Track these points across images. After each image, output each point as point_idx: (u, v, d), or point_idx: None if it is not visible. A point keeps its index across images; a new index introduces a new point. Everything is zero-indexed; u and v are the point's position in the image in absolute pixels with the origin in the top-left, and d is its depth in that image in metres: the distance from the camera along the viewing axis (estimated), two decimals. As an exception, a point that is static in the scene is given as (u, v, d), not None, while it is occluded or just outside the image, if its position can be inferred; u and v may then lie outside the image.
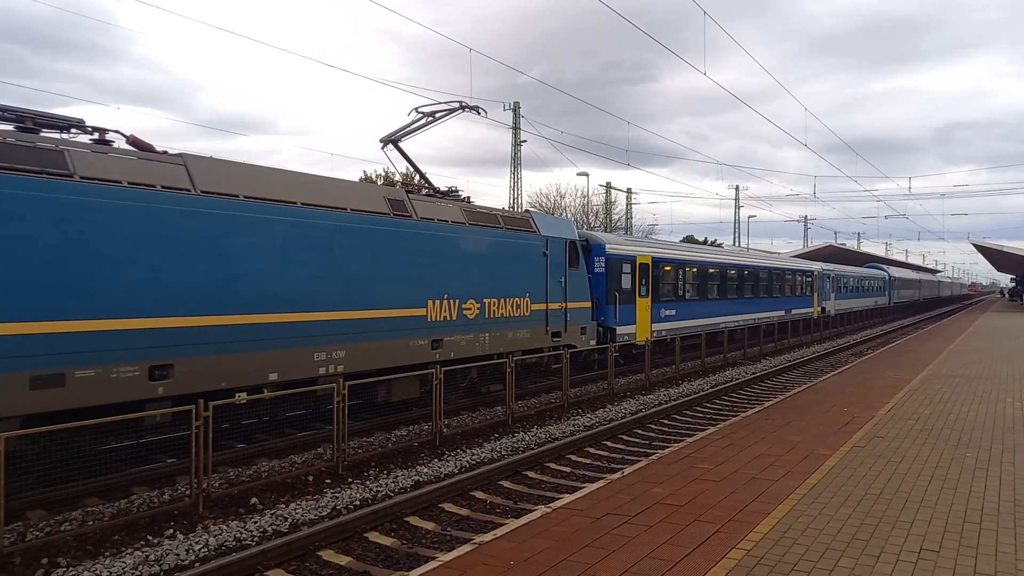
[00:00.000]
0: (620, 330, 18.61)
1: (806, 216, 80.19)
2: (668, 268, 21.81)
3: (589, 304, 17.15)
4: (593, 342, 17.38)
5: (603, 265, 18.55)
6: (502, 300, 14.13)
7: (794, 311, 32.28)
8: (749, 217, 72.36)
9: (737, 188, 69.51)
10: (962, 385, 14.86)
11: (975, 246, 71.52)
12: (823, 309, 36.52)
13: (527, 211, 16.09)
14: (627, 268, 19.28)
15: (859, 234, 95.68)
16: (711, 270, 24.86)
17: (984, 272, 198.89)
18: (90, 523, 7.49)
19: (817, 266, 37.33)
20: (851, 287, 44.13)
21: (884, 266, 60.00)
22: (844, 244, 78.34)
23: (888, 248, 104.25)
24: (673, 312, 21.58)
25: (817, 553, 5.53)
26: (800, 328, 31.87)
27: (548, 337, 15.56)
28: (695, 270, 23.52)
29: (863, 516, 6.44)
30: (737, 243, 66.67)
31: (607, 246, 18.87)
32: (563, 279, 16.01)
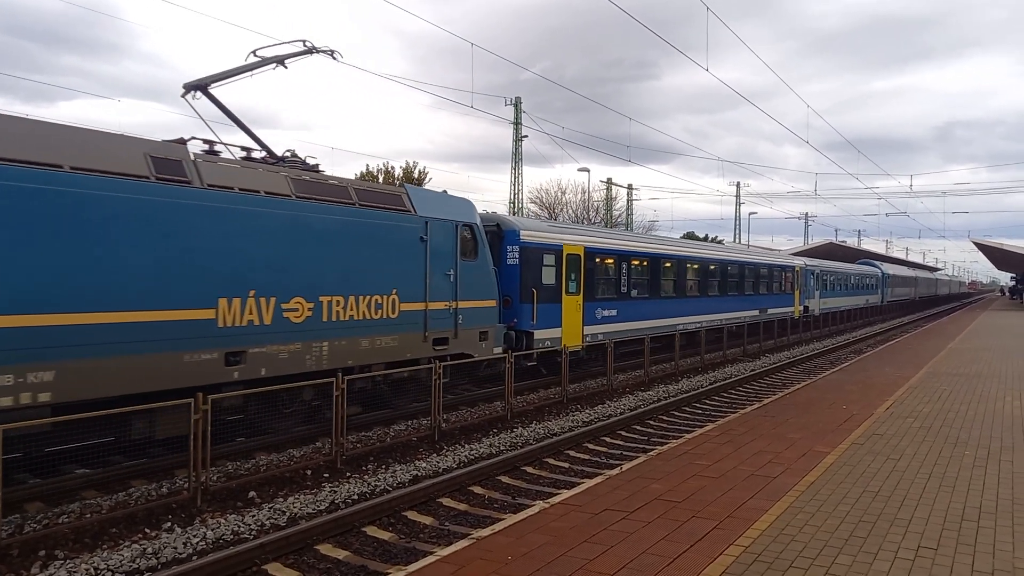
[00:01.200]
0: (539, 334, 15.71)
1: (807, 213, 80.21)
2: (608, 261, 18.78)
3: (494, 303, 14.06)
4: (499, 349, 14.28)
5: (517, 256, 15.50)
6: (352, 298, 10.96)
7: (771, 310, 29.06)
8: (750, 214, 72.43)
9: (738, 185, 69.48)
10: (962, 383, 14.85)
11: (976, 244, 71.51)
12: (806, 308, 33.88)
13: (402, 185, 12.75)
14: (550, 260, 16.25)
15: (860, 231, 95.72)
16: (666, 264, 21.74)
17: (984, 270, 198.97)
18: (88, 516, 7.49)
19: (799, 261, 34.77)
20: (839, 284, 41.31)
21: (877, 263, 56.86)
22: (844, 241, 78.37)
23: (889, 246, 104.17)
24: (614, 312, 18.49)
25: (815, 550, 5.53)
26: (776, 330, 28.30)
27: (428, 345, 12.39)
28: (644, 263, 20.45)
29: (861, 513, 6.44)
30: (738, 239, 66.63)
31: (522, 233, 15.80)
32: (453, 272, 12.92)
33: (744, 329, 25.30)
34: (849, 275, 44.43)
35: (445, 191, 14.20)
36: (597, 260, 18.12)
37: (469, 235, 13.51)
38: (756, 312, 27.60)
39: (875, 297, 50.53)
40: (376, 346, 11.39)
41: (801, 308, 33.22)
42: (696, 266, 23.50)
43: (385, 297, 11.56)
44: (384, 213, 11.65)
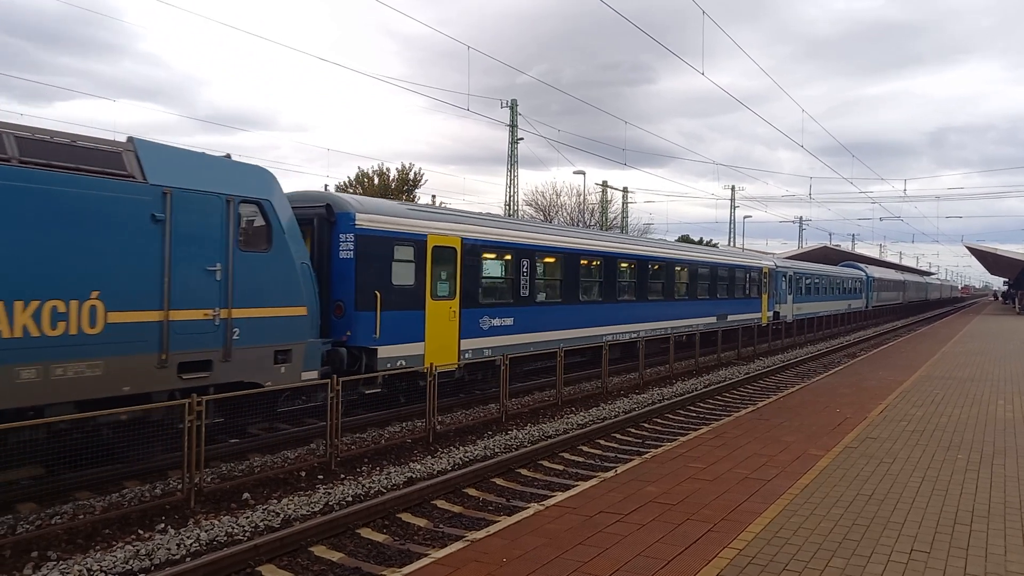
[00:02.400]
0: (386, 352, 11.93)
1: (801, 217, 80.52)
2: (502, 257, 15.16)
3: (302, 311, 10.26)
4: (315, 374, 10.52)
5: (352, 248, 11.64)
6: None
7: (732, 317, 25.62)
8: (745, 218, 72.54)
9: (733, 188, 69.76)
10: (954, 387, 14.92)
11: (969, 249, 71.81)
12: (776, 315, 30.46)
13: (130, 140, 8.75)
14: (405, 254, 12.44)
15: (854, 235, 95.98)
16: (589, 262, 17.84)
17: (977, 275, 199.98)
18: (81, 516, 7.47)
19: (767, 262, 30.94)
20: (817, 288, 37.72)
21: (862, 265, 53.61)
22: (839, 245, 78.58)
23: (882, 250, 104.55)
24: (509, 321, 14.72)
25: (809, 553, 5.55)
26: (739, 338, 25.00)
27: (171, 373, 8.68)
28: (556, 261, 16.65)
29: (855, 516, 6.46)
30: (732, 243, 66.78)
31: (359, 217, 11.73)
32: (221, 266, 9.24)
33: (696, 339, 21.48)
34: (829, 278, 40.96)
35: (204, 153, 9.91)
36: (483, 256, 14.23)
37: (256, 215, 9.87)
38: (713, 319, 24.20)
39: (859, 302, 47.50)
40: (56, 378, 7.57)
41: (771, 314, 29.77)
42: (631, 265, 19.76)
43: (75, 303, 7.76)
44: (76, 178, 7.86)
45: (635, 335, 19.35)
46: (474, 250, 13.94)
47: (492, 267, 15.19)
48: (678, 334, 21.15)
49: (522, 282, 15.26)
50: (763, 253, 48.32)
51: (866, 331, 42.00)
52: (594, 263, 18.19)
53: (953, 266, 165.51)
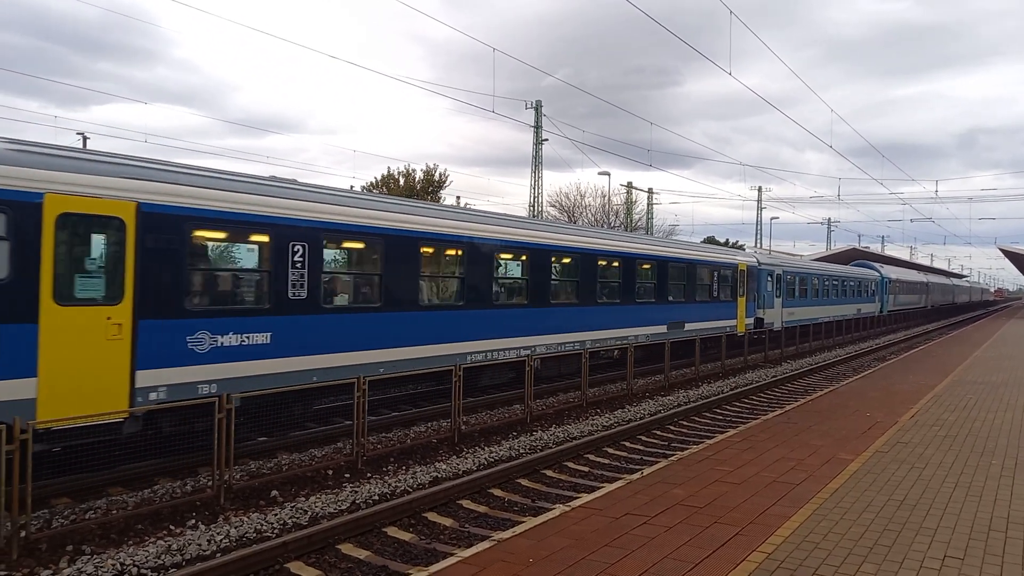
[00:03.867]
0: None
1: (829, 219, 79.46)
2: (245, 238, 10.04)
3: None
4: None
5: None
6: None
7: (693, 325, 20.39)
8: (772, 219, 71.77)
9: (760, 189, 69.12)
10: (987, 392, 14.63)
11: (1002, 251, 70.46)
12: (759, 321, 25.42)
13: None
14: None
15: (883, 237, 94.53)
16: (439, 250, 12.83)
17: (1011, 278, 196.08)
18: (114, 512, 7.61)
19: (744, 257, 25.52)
20: (815, 290, 32.16)
21: (876, 265, 47.94)
22: (868, 247, 77.50)
23: (913, 252, 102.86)
24: (261, 339, 9.70)
25: (839, 558, 5.48)
26: (698, 352, 19.24)
27: None
28: (355, 247, 11.70)
29: (886, 522, 6.37)
30: (759, 244, 66.12)
31: None
32: None
33: (629, 355, 16.16)
34: (831, 278, 35.07)
35: None
36: (198, 235, 9.26)
37: None
38: (661, 328, 18.96)
39: (871, 306, 41.64)
40: None
41: (750, 321, 24.65)
42: (522, 258, 14.69)
43: None
44: None
45: (523, 351, 13.95)
46: (172, 224, 8.77)
47: (226, 254, 10.61)
48: (602, 349, 16.59)
49: (293, 278, 10.09)
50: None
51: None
52: (443, 252, 12.78)
53: (986, 269, 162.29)
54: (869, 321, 40.10)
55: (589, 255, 16.54)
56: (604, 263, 17.17)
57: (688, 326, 20.38)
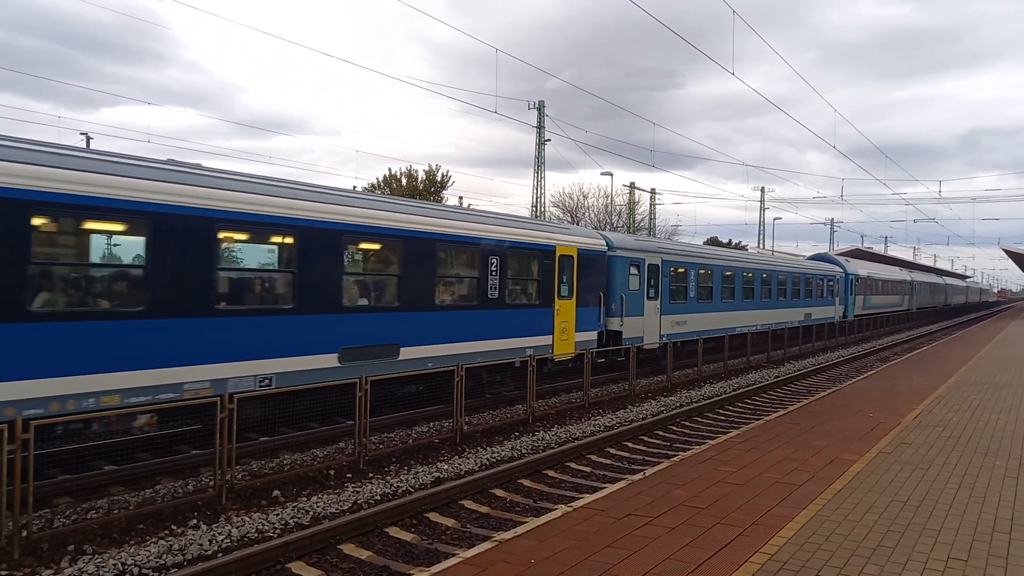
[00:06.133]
0: None
1: (832, 219, 79.27)
2: None
3: None
4: None
5: None
6: None
7: (426, 351, 12.02)
8: (774, 219, 71.64)
9: (763, 190, 68.90)
10: (991, 392, 14.59)
11: (1006, 251, 70.28)
12: (603, 336, 16.72)
13: None
14: None
15: (886, 238, 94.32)
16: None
17: (1015, 278, 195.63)
18: (116, 511, 7.60)
19: (567, 237, 15.78)
20: (729, 289, 23.20)
21: (841, 259, 38.40)
22: (871, 248, 77.33)
23: (916, 252, 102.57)
24: None
25: (842, 559, 5.45)
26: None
27: None
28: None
29: (889, 523, 6.34)
30: (762, 245, 66.06)
31: None
32: None
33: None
34: (759, 273, 25.41)
35: None
36: None
37: None
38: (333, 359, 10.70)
39: (828, 309, 32.62)
40: None
41: (592, 336, 16.20)
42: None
43: None
44: None
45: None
46: None
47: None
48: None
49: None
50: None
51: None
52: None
53: (989, 269, 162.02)
54: (825, 330, 30.45)
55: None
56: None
57: (412, 354, 11.80)
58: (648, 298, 18.50)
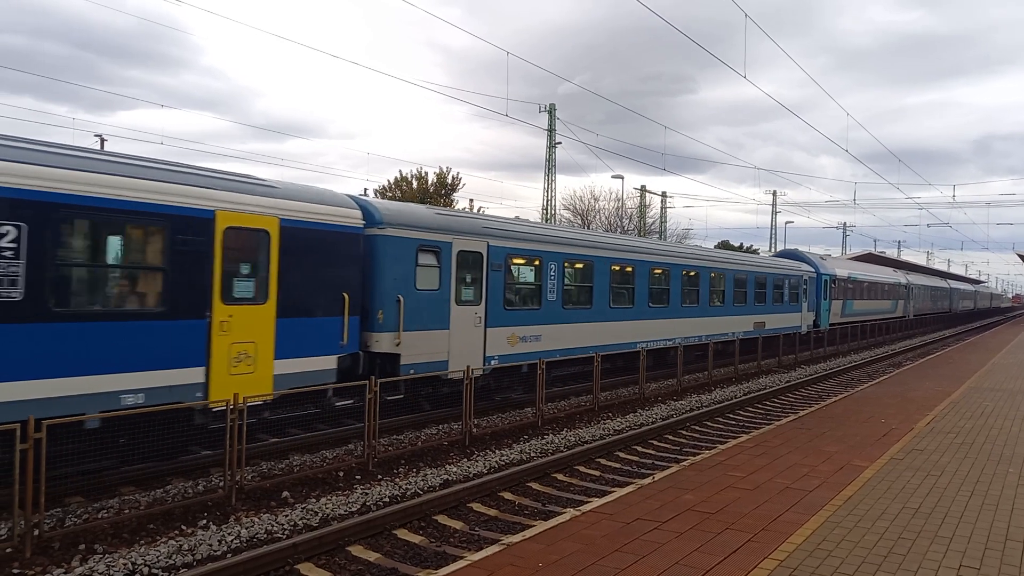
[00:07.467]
0: None
1: (844, 223, 78.76)
2: None
3: None
4: None
5: None
6: None
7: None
8: (786, 223, 71.25)
9: (775, 193, 68.56)
10: (1005, 399, 14.46)
11: (1021, 257, 69.58)
12: (386, 361, 11.36)
13: None
14: None
15: (900, 242, 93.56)
16: None
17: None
18: (126, 511, 7.65)
19: (276, 200, 9.63)
20: (629, 290, 17.25)
21: (813, 257, 32.07)
22: (884, 252, 76.79)
23: (930, 257, 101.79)
24: None
25: (852, 566, 5.41)
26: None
27: None
28: None
29: (900, 530, 6.29)
30: (773, 249, 65.72)
31: None
32: None
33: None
34: (676, 269, 19.21)
35: None
36: None
37: None
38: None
39: (791, 317, 26.69)
40: None
41: (318, 367, 10.15)
42: None
43: None
44: None
45: None
46: None
47: None
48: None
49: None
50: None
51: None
52: None
53: (1004, 274, 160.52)
54: (784, 342, 24.38)
55: None
56: None
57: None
58: (459, 302, 12.72)
